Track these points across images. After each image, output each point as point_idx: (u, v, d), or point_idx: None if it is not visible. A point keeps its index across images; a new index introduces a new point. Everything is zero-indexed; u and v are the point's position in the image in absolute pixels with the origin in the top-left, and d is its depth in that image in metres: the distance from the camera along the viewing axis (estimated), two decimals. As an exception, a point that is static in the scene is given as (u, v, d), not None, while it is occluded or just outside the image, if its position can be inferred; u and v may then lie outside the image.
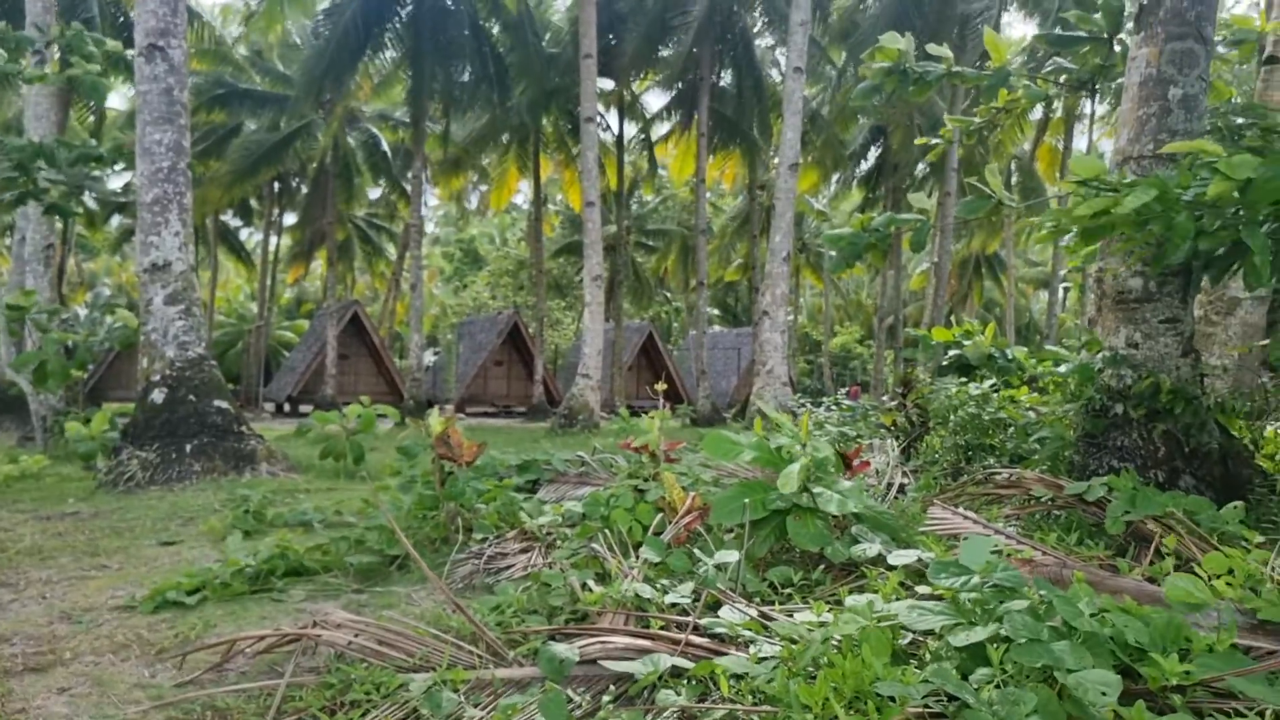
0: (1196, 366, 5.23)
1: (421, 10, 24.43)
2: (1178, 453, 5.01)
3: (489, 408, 30.81)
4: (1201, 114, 5.29)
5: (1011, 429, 6.42)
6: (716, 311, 53.46)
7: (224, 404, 9.53)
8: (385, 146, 32.27)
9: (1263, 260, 4.11)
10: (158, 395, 9.38)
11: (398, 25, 25.18)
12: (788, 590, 3.58)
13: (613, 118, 30.86)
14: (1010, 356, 7.41)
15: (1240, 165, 3.89)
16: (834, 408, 8.55)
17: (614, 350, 28.97)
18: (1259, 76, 8.80)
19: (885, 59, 7.79)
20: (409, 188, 29.61)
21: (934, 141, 9.13)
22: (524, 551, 4.47)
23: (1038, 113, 30.90)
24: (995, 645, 2.23)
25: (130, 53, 11.41)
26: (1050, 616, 2.41)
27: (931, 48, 7.67)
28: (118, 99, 37.38)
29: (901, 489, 5.98)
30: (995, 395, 6.89)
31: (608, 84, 29.23)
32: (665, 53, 26.59)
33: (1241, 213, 4.08)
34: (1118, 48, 7.68)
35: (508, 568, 4.30)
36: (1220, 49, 8.59)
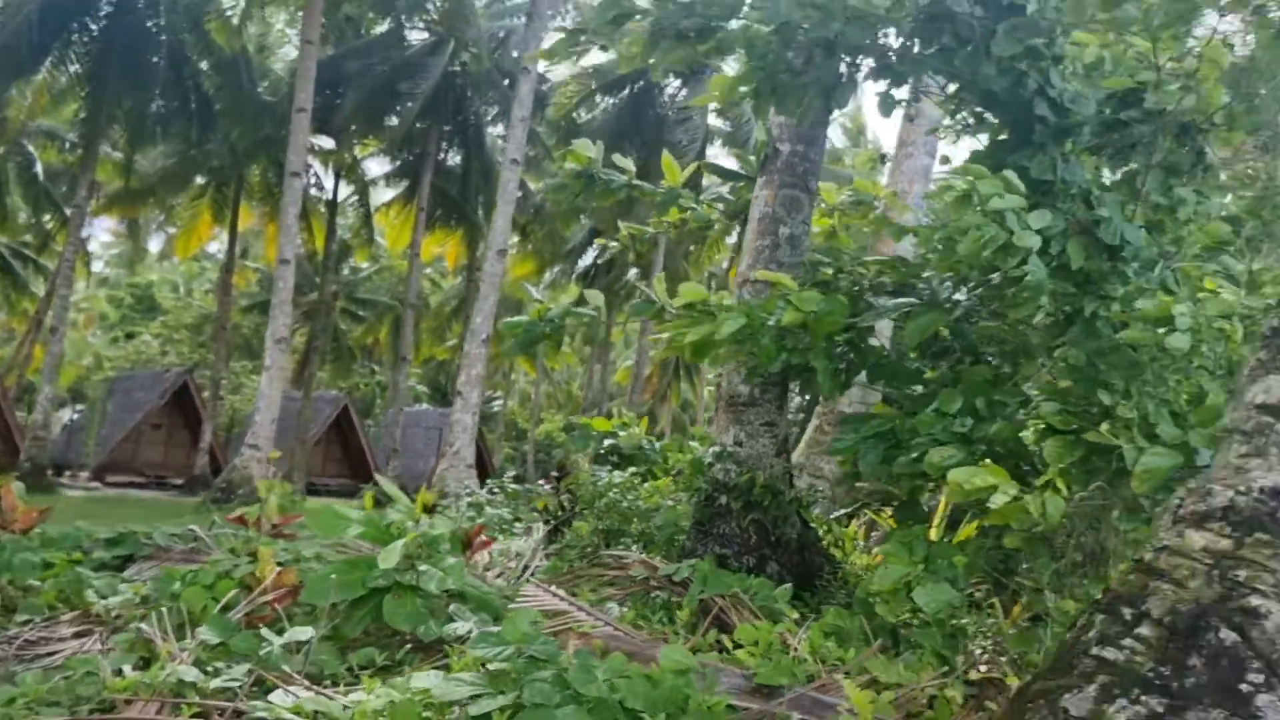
0: (787, 465, 6.02)
1: (114, 31, 22.06)
2: (766, 541, 5.67)
3: (138, 477, 26.77)
4: (803, 251, 6.28)
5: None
6: (425, 389, 52.19)
7: None
8: (39, 167, 28.09)
9: (824, 378, 4.90)
10: None
11: (85, 40, 22.46)
12: (368, 671, 3.46)
13: (332, 179, 29.71)
14: (656, 448, 8.01)
15: (807, 299, 4.66)
16: (497, 490, 8.62)
17: (300, 421, 26.98)
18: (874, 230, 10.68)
19: (576, 162, 8.29)
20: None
21: (612, 244, 9.89)
22: (80, 635, 3.88)
23: (735, 237, 34.73)
24: (506, 712, 2.31)
25: None
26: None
27: (616, 158, 8.35)
28: None
29: (538, 571, 6.11)
30: (643, 484, 7.38)
31: (328, 143, 28.21)
32: (391, 121, 26.36)
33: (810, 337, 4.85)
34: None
35: (51, 654, 3.71)
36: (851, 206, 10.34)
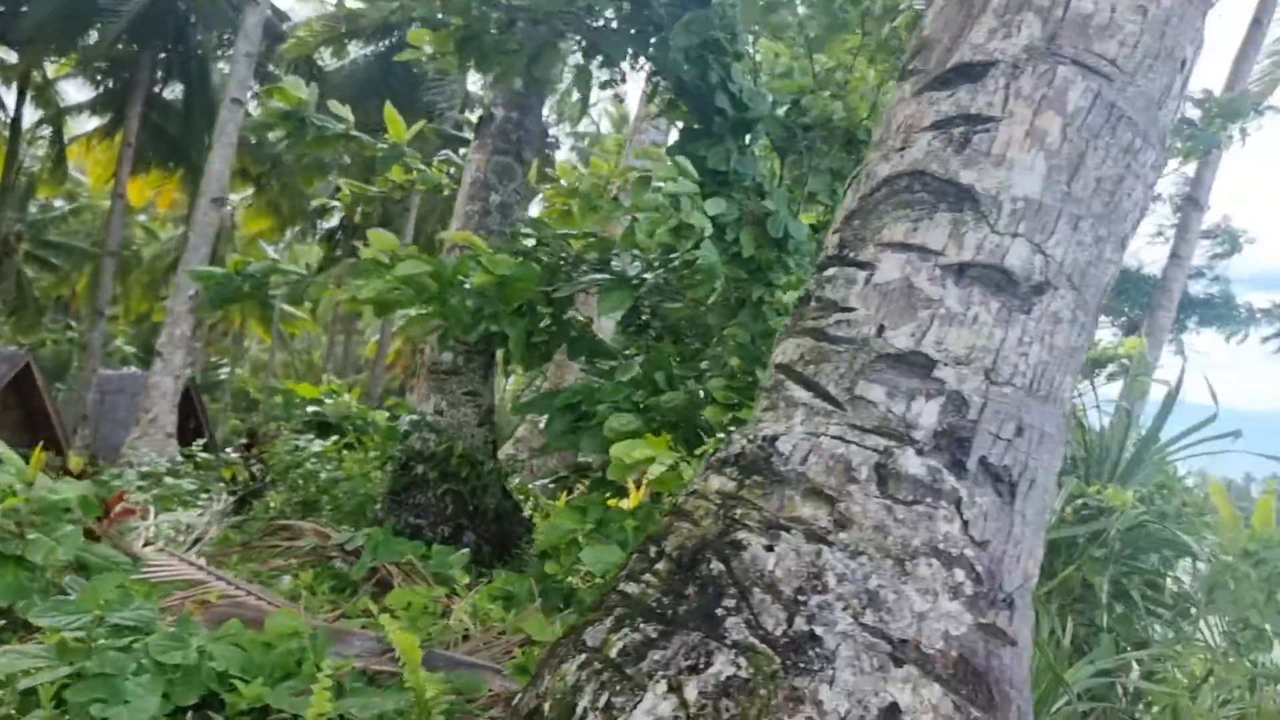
0: (490, 436, 6.03)
1: None
2: (463, 511, 5.65)
3: None
4: (514, 220, 6.28)
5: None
6: (136, 351, 46.27)
7: None
8: None
9: (517, 347, 4.93)
10: None
11: None
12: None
13: (14, 98, 25.23)
14: (367, 418, 7.68)
15: (499, 263, 4.65)
16: (184, 459, 7.83)
17: (-38, 380, 22.78)
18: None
19: (284, 101, 7.59)
20: None
21: (332, 204, 9.29)
22: None
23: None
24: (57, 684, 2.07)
25: None
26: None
27: (334, 104, 7.75)
28: None
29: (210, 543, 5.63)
30: (346, 454, 7.03)
31: (11, 56, 23.96)
32: (93, 38, 22.86)
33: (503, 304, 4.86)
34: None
35: None
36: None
